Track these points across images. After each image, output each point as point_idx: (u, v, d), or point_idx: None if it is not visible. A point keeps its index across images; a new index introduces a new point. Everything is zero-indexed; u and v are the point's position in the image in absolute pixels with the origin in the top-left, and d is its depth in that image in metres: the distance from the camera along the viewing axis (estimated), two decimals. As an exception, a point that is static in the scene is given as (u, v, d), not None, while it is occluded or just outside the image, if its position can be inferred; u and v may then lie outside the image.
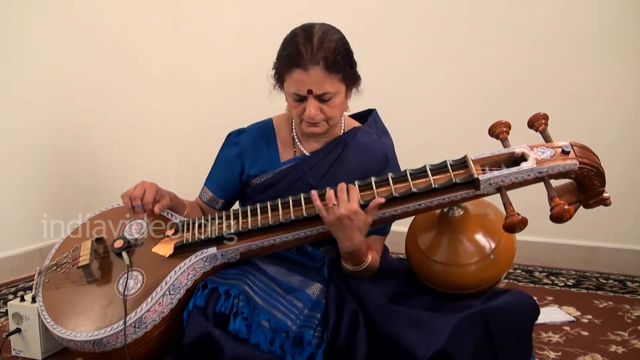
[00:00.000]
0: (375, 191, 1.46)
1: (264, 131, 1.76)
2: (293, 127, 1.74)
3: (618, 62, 2.53)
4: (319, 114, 1.56)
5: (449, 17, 2.75)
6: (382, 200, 1.43)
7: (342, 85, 1.58)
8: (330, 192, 1.45)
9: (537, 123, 1.48)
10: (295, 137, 1.73)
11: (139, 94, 3.04)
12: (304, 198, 1.52)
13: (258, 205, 1.55)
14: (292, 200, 1.52)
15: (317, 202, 1.45)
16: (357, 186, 1.47)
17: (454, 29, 2.75)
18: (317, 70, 1.52)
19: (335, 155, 1.68)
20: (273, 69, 1.64)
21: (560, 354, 1.75)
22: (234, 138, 1.78)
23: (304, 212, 1.50)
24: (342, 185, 1.45)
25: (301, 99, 1.57)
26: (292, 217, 1.50)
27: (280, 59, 1.60)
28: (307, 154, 1.71)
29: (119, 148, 2.94)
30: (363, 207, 1.44)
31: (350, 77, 1.61)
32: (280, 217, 1.51)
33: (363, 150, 1.69)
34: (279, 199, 1.54)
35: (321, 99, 1.55)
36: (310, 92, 1.53)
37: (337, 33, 1.59)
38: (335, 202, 1.43)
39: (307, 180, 1.65)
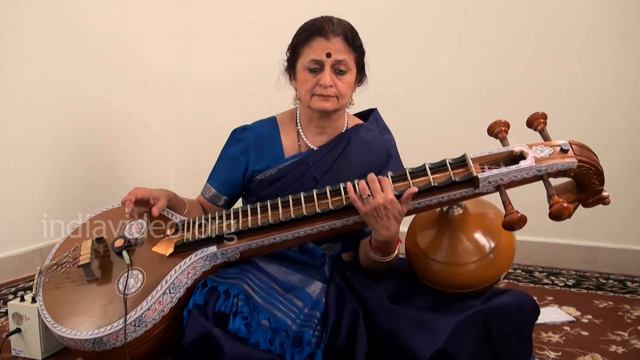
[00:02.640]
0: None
1: (268, 127, 1.77)
2: (297, 121, 1.76)
3: (618, 61, 2.54)
4: (332, 84, 1.60)
5: (448, 16, 2.76)
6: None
7: (355, 67, 1.65)
8: (362, 183, 1.45)
9: (536, 122, 1.48)
10: (300, 130, 1.75)
11: (140, 94, 3.05)
12: (304, 197, 1.52)
13: (258, 204, 1.55)
14: (292, 199, 1.52)
15: (352, 193, 1.45)
16: (389, 177, 1.47)
17: (453, 28, 2.75)
18: (339, 41, 1.61)
19: (339, 151, 1.70)
20: (287, 51, 1.70)
21: (560, 354, 1.75)
22: (239, 135, 1.79)
23: (304, 210, 1.50)
24: (371, 176, 1.46)
25: (317, 69, 1.61)
26: (292, 216, 1.49)
27: (298, 36, 1.67)
28: (312, 147, 1.73)
29: (119, 148, 2.94)
30: (397, 197, 1.44)
31: (361, 66, 1.69)
32: (280, 215, 1.51)
33: (366, 146, 1.72)
34: (278, 198, 1.54)
35: (337, 68, 1.61)
36: (329, 55, 1.59)
37: None
38: (370, 193, 1.43)
39: (312, 175, 1.68)
